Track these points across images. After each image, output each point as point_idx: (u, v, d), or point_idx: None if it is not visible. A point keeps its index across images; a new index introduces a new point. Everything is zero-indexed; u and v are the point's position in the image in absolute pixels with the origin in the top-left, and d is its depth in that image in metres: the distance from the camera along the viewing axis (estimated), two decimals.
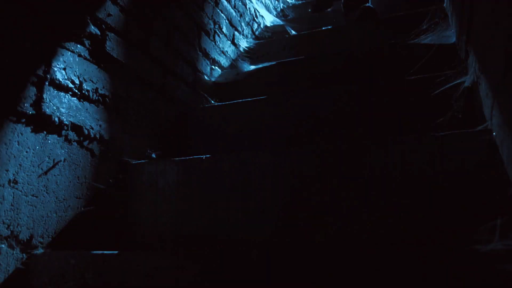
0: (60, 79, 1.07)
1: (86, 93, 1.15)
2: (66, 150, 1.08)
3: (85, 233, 1.12)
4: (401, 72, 1.48)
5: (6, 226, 0.91)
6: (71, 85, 1.10)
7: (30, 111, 0.98)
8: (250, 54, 2.27)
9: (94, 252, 0.94)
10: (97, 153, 1.18)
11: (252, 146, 1.43)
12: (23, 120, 0.96)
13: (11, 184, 0.92)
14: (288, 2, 3.53)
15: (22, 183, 0.95)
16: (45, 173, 1.01)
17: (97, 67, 1.21)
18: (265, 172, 1.11)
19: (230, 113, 1.53)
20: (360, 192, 1.01)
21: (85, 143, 1.14)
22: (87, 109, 1.16)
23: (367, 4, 2.25)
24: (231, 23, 2.26)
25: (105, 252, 0.93)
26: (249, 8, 2.60)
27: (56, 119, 1.05)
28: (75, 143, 1.11)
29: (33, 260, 0.96)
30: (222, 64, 2.05)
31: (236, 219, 1.10)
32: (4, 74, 0.92)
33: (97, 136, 1.18)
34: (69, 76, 1.10)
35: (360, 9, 2.20)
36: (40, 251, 0.97)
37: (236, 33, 2.31)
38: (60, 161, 1.06)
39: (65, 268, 0.94)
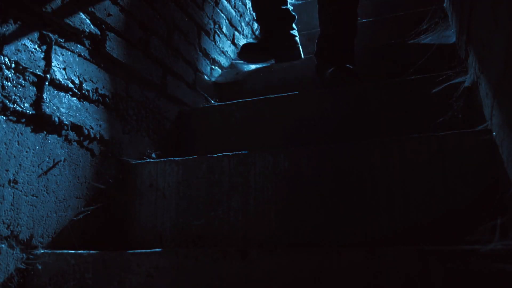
0: (60, 79, 1.07)
1: (86, 93, 1.15)
2: (66, 150, 1.08)
3: (85, 233, 1.12)
4: (401, 71, 1.48)
5: (6, 226, 0.91)
6: (71, 85, 1.10)
7: (30, 111, 0.98)
8: None
9: (94, 252, 0.94)
10: (97, 153, 1.18)
11: (252, 146, 1.43)
12: (23, 120, 0.96)
13: (11, 184, 0.92)
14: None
15: (22, 183, 0.95)
16: (45, 173, 1.01)
17: (97, 67, 1.20)
18: (265, 172, 1.11)
19: (230, 113, 1.53)
20: (360, 191, 1.01)
21: (85, 143, 1.14)
22: (87, 109, 1.16)
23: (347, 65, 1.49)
24: (231, 23, 2.26)
25: (105, 252, 0.93)
26: (249, 8, 2.60)
27: (56, 119, 1.05)
28: (75, 143, 1.11)
29: (33, 260, 0.96)
30: (222, 64, 2.06)
31: (236, 219, 1.10)
32: None
33: (97, 136, 1.18)
34: (69, 76, 1.10)
35: (332, 70, 1.49)
36: (40, 251, 0.97)
37: (236, 33, 2.31)
38: (60, 161, 1.06)
39: (65, 268, 0.94)
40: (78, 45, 1.15)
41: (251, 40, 2.48)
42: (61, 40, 1.09)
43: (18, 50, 0.96)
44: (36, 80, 1.00)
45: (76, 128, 1.11)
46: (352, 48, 1.58)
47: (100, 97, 1.20)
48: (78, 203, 1.11)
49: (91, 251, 0.95)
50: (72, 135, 1.10)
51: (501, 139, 0.82)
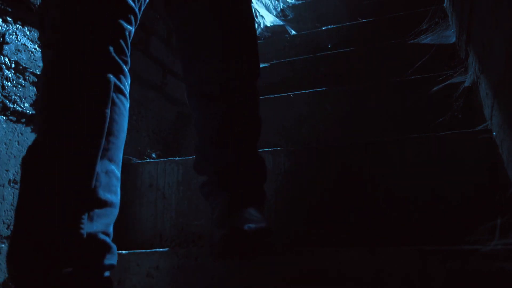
0: None
1: None
2: None
3: None
4: (401, 71, 1.48)
5: (6, 226, 0.91)
6: None
7: (30, 111, 0.98)
8: None
9: None
10: None
11: None
12: (23, 120, 0.96)
13: (11, 184, 0.92)
14: (288, 2, 3.53)
15: None
16: None
17: None
18: None
19: None
20: (359, 191, 1.01)
21: None
22: None
23: None
24: None
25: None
26: None
27: None
28: None
29: None
30: None
31: None
32: None
33: None
34: None
35: None
36: None
37: None
38: None
39: None
40: None
41: None
42: None
43: (18, 50, 0.96)
44: (36, 80, 1.00)
45: None
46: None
47: None
48: None
49: None
50: None
51: (501, 139, 0.82)
